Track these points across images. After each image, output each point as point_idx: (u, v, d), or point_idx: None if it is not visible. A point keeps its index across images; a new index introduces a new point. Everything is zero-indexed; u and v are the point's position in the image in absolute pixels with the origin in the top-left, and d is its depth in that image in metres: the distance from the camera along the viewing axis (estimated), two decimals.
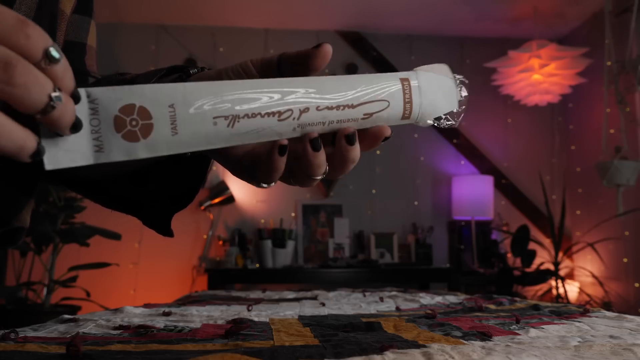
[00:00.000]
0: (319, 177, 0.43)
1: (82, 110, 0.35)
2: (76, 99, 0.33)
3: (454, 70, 0.49)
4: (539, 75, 3.18)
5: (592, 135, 3.52)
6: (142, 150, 0.37)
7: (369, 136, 0.43)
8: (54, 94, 0.30)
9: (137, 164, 0.55)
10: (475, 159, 3.81)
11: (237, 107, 0.39)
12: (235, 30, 3.72)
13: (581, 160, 3.69)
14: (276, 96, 0.40)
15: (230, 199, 3.49)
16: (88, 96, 0.35)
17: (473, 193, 3.53)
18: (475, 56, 3.79)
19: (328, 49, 0.42)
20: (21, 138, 0.30)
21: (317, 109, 0.41)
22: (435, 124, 0.47)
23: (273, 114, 0.40)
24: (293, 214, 3.65)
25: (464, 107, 0.48)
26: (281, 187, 3.65)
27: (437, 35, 3.84)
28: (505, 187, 3.81)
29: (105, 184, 0.57)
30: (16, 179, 0.55)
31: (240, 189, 3.58)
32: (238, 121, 0.39)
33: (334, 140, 0.43)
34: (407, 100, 0.44)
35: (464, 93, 0.48)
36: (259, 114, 0.39)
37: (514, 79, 3.25)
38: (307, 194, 3.68)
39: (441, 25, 3.71)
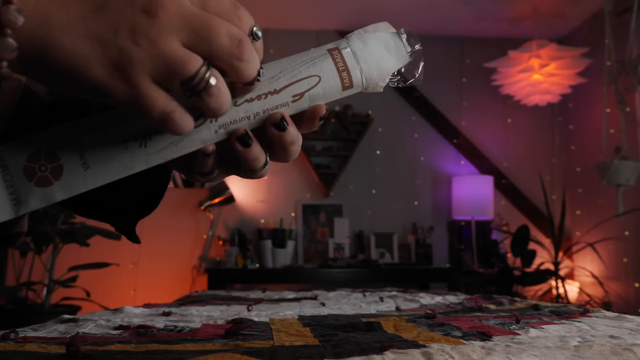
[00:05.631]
0: (261, 168, 0.42)
1: None
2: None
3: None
4: (539, 75, 3.18)
5: (592, 135, 3.52)
6: (58, 193, 0.37)
7: (305, 118, 0.42)
8: (261, 70, 0.36)
9: None
10: (475, 159, 3.81)
11: (146, 126, 0.37)
12: None
13: (581, 160, 3.69)
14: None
15: (230, 199, 3.49)
16: None
17: (473, 193, 3.53)
18: (475, 56, 3.79)
19: None
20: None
21: (235, 104, 0.39)
22: (393, 85, 0.44)
23: None
24: (293, 214, 3.65)
25: (421, 59, 0.44)
26: (281, 187, 3.65)
27: (437, 35, 3.83)
28: (505, 187, 3.81)
29: (85, 193, 0.57)
30: None
31: (240, 189, 3.59)
32: (150, 139, 0.38)
33: None
34: (341, 69, 0.41)
35: (416, 44, 0.44)
36: None
37: (514, 79, 3.25)
38: (307, 194, 3.68)
39: (441, 25, 3.71)
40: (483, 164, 3.81)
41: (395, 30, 0.43)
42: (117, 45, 0.31)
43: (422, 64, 0.44)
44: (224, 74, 0.35)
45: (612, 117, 3.09)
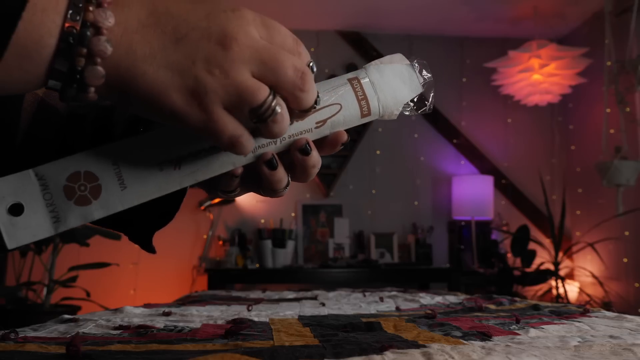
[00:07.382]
0: (283, 189, 0.44)
1: (34, 189, 0.37)
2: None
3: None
4: (539, 75, 3.17)
5: (592, 135, 3.52)
6: (97, 211, 0.38)
7: (327, 143, 0.44)
8: (317, 99, 0.40)
9: None
10: (475, 159, 3.81)
11: (180, 149, 0.40)
12: None
13: (581, 160, 3.69)
14: None
15: (230, 199, 3.49)
16: (36, 175, 0.38)
17: (473, 193, 3.53)
18: (475, 56, 3.79)
19: None
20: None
21: None
22: (406, 113, 0.47)
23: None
24: (293, 214, 3.65)
25: (432, 89, 0.47)
26: None
27: (437, 35, 3.83)
28: (505, 187, 3.81)
29: None
30: None
31: None
32: (183, 161, 0.40)
33: None
34: (360, 98, 0.43)
35: (427, 75, 0.47)
36: (203, 149, 0.40)
37: (514, 79, 3.25)
38: (307, 194, 3.68)
39: (441, 25, 3.71)
40: (483, 164, 3.81)
41: (409, 62, 0.46)
42: (194, 74, 0.34)
43: (432, 94, 0.47)
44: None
45: (612, 117, 3.09)
